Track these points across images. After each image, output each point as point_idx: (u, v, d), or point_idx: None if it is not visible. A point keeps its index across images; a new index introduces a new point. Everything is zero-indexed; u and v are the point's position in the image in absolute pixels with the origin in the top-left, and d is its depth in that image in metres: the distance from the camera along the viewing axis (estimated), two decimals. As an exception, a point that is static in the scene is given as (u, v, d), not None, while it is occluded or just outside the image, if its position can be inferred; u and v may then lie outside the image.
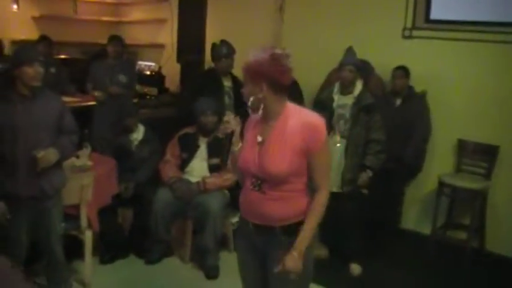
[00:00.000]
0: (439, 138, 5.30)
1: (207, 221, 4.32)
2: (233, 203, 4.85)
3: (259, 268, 2.74)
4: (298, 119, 2.51)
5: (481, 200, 4.99)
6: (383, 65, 5.30)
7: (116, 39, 6.02)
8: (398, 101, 5.22)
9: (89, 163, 4.08)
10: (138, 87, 7.00)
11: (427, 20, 5.38)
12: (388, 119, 4.47)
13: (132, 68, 6.65)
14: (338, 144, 4.42)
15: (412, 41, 5.42)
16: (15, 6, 6.99)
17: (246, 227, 2.70)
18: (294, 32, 6.22)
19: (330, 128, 4.50)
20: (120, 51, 6.00)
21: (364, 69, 4.64)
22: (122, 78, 5.90)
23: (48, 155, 3.24)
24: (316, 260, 4.74)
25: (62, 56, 7.16)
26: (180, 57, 7.41)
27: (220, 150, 4.59)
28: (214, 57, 5.27)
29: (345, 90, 4.46)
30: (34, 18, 7.29)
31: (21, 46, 3.71)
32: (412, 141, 5.12)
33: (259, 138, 2.57)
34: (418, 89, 5.24)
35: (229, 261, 4.57)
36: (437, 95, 5.23)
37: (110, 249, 4.52)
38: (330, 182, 2.57)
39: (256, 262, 2.74)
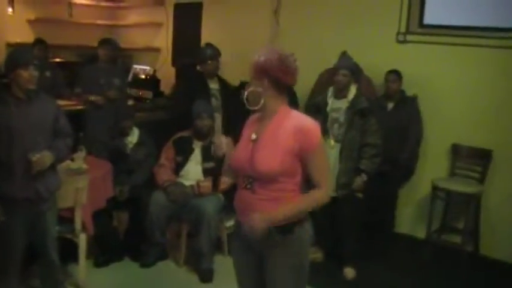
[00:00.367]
0: (433, 142, 5.32)
1: (202, 224, 4.33)
2: (228, 207, 4.88)
3: (255, 270, 2.74)
4: (293, 121, 2.55)
5: (475, 204, 5.02)
6: (377, 69, 5.33)
7: (106, 43, 5.99)
8: (390, 105, 5.26)
9: (84, 166, 4.09)
10: (133, 90, 7.02)
11: (421, 24, 5.43)
12: (381, 123, 4.48)
13: (123, 71, 6.65)
14: (332, 148, 4.43)
15: (406, 46, 5.45)
16: (10, 9, 6.96)
17: (241, 228, 2.69)
18: (289, 35, 6.24)
19: (324, 132, 4.52)
20: (111, 55, 5.96)
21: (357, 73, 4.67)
22: (117, 81, 5.88)
23: (43, 158, 3.25)
24: (311, 263, 4.76)
25: (58, 60, 7.16)
26: (175, 61, 7.42)
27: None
28: (200, 60, 5.27)
29: (339, 94, 4.47)
30: (29, 21, 7.28)
31: (16, 49, 3.69)
32: (406, 144, 5.15)
33: (254, 136, 2.62)
34: (411, 93, 5.27)
35: (223, 265, 4.57)
36: (431, 99, 5.25)
37: (105, 252, 4.51)
38: (331, 185, 2.56)
39: (252, 264, 2.75)
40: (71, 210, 3.91)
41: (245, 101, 2.63)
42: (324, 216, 4.66)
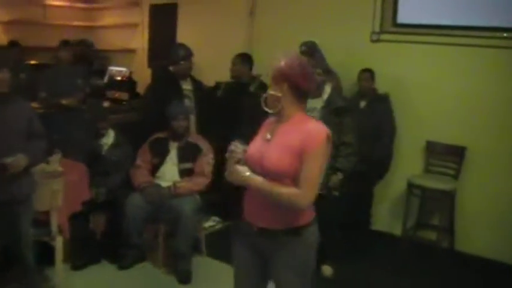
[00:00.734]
0: (407, 140, 5.38)
1: (179, 225, 4.32)
2: (205, 208, 4.89)
3: (257, 270, 2.77)
4: (305, 126, 2.57)
5: (449, 200, 5.09)
6: (352, 68, 5.38)
7: (67, 44, 5.96)
8: (363, 103, 5.31)
9: (60, 169, 4.06)
10: (109, 92, 7.00)
11: (395, 24, 5.48)
12: (355, 121, 4.51)
13: (86, 72, 6.62)
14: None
15: (380, 45, 5.51)
16: (-17, 12, 6.92)
17: (248, 230, 2.72)
18: (265, 36, 6.28)
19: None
20: (72, 56, 5.94)
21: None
22: (80, 82, 5.85)
23: (17, 160, 3.23)
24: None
25: (33, 62, 7.10)
26: (151, 62, 7.41)
27: (191, 154, 4.60)
28: (172, 60, 5.27)
29: (314, 93, 4.49)
30: (3, 23, 7.22)
31: (-11, 52, 3.69)
32: (381, 142, 5.20)
33: (268, 136, 2.67)
34: (386, 91, 5.32)
35: (202, 266, 4.60)
36: (405, 97, 5.31)
37: (82, 255, 4.48)
38: (312, 196, 2.53)
39: (255, 264, 2.76)
40: (47, 213, 3.89)
41: (263, 103, 2.65)
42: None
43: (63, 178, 3.98)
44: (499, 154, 5.02)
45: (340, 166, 4.38)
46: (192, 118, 5.15)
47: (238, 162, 2.64)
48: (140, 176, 4.57)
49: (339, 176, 4.38)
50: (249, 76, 5.45)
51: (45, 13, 7.54)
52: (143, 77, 7.24)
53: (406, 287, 4.54)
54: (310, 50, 5.30)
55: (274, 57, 2.62)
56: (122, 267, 4.50)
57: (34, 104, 5.55)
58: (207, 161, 4.61)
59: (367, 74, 5.28)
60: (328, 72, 4.56)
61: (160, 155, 4.63)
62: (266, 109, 2.66)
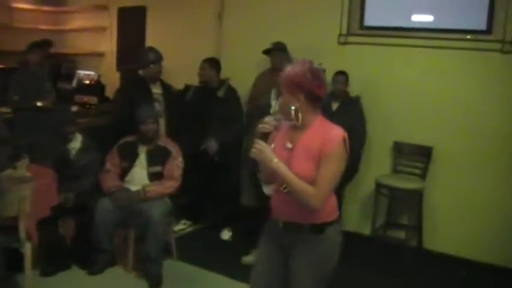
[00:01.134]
0: (375, 141, 5.44)
1: (149, 229, 4.31)
2: (175, 211, 4.88)
3: (277, 264, 2.81)
4: (323, 130, 2.63)
5: (417, 200, 5.18)
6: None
7: (37, 46, 5.92)
8: (335, 105, 5.35)
9: (27, 174, 4.02)
10: (78, 96, 6.95)
11: (362, 26, 5.55)
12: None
13: (51, 74, 6.59)
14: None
15: (348, 47, 5.57)
16: None
17: (274, 226, 2.79)
18: (233, 38, 6.30)
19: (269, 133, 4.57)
20: (42, 59, 5.90)
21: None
22: (48, 85, 5.81)
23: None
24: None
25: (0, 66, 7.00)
26: (120, 65, 7.38)
27: (161, 158, 4.60)
28: (142, 64, 5.25)
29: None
30: (-32, 27, 7.12)
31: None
32: (351, 144, 5.23)
33: (289, 145, 2.69)
34: (353, 93, 5.38)
35: (173, 269, 4.59)
36: (373, 98, 5.37)
37: (52, 260, 4.43)
38: (325, 197, 2.60)
39: (277, 258, 2.81)
40: (15, 219, 3.84)
41: (283, 115, 2.71)
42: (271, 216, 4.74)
43: (31, 183, 3.94)
44: (465, 154, 5.12)
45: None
46: (162, 121, 5.15)
47: (268, 135, 2.67)
48: (109, 180, 4.55)
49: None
50: (217, 80, 5.46)
51: (11, 16, 7.42)
52: (112, 80, 7.19)
53: (376, 286, 4.60)
54: (274, 49, 5.35)
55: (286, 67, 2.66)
56: (92, 273, 4.46)
57: (4, 109, 5.51)
58: (176, 164, 4.61)
59: (342, 76, 5.30)
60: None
61: (129, 158, 4.61)
62: (284, 120, 2.71)
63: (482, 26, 5.00)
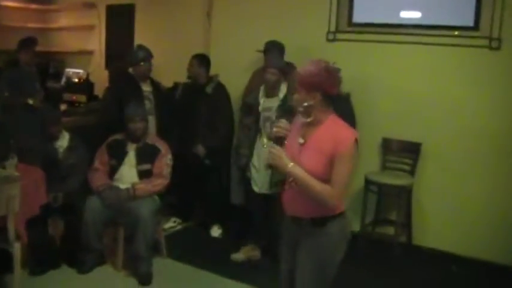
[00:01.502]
0: (364, 138, 5.37)
1: (138, 227, 4.31)
2: (164, 209, 4.88)
3: (290, 260, 2.97)
4: (336, 130, 2.75)
5: (406, 196, 5.18)
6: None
7: (26, 44, 5.91)
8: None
9: (16, 173, 4.01)
10: (66, 94, 6.93)
11: (350, 23, 5.55)
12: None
13: (42, 74, 6.59)
14: (265, 146, 4.50)
15: (336, 44, 5.56)
16: None
17: (286, 220, 2.98)
18: (222, 36, 6.29)
19: (257, 130, 4.59)
20: (33, 58, 5.87)
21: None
22: (37, 85, 5.79)
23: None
24: (248, 261, 4.86)
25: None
26: (108, 63, 7.35)
27: (149, 156, 4.59)
28: (132, 62, 5.25)
29: (270, 92, 4.54)
30: (-46, 26, 7.06)
31: None
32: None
33: (301, 140, 2.81)
34: (342, 90, 5.38)
35: (162, 268, 4.60)
36: (361, 95, 5.38)
37: (41, 260, 4.42)
38: (343, 195, 2.73)
39: (290, 255, 2.98)
40: (4, 218, 3.82)
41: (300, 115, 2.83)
42: (259, 214, 4.75)
43: (20, 183, 3.93)
44: (454, 150, 5.13)
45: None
46: (152, 119, 5.15)
47: (283, 140, 2.76)
48: (98, 179, 4.54)
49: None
50: (206, 77, 5.45)
51: (-2, 15, 7.39)
52: (100, 78, 7.16)
53: (366, 282, 4.61)
54: (266, 49, 5.35)
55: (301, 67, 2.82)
56: (81, 272, 4.46)
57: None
58: (165, 162, 4.61)
59: None
60: (284, 72, 4.59)
61: (118, 156, 4.60)
62: (302, 117, 2.83)
63: (470, 23, 5.01)
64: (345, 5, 5.53)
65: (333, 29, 5.58)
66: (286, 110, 4.44)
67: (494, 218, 5.00)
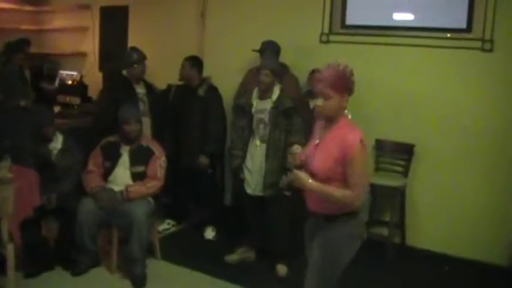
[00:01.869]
0: (358, 139, 5.45)
1: (132, 229, 4.31)
2: (159, 211, 4.89)
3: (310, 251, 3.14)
4: (342, 133, 2.86)
5: (399, 197, 5.21)
6: (302, 69, 5.46)
7: (16, 46, 5.92)
8: (313, 104, 5.36)
9: (9, 175, 4.00)
10: (60, 96, 6.92)
11: (343, 25, 5.57)
12: (305, 120, 4.58)
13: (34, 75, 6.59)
14: (258, 148, 4.52)
15: (330, 46, 5.60)
16: None
17: (308, 215, 3.15)
18: (216, 37, 6.30)
19: (251, 132, 4.59)
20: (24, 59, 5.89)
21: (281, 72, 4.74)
22: (48, 86, 5.80)
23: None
24: (243, 263, 4.86)
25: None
26: (102, 65, 7.35)
27: (143, 158, 4.59)
28: (125, 64, 5.25)
29: (263, 94, 4.54)
30: None
31: None
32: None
33: (317, 141, 3.00)
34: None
35: (156, 270, 4.60)
36: (355, 97, 5.27)
37: (35, 262, 4.41)
38: (362, 194, 2.88)
39: (309, 246, 3.16)
40: (-3, 220, 3.84)
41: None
42: (254, 216, 4.76)
43: (14, 184, 3.92)
44: (447, 151, 5.16)
45: (290, 166, 4.43)
46: (146, 121, 5.15)
47: (300, 166, 2.98)
48: (92, 181, 4.54)
49: (289, 176, 4.42)
50: (199, 79, 5.45)
51: (-9, 16, 7.37)
52: (94, 80, 7.16)
53: (359, 283, 4.62)
54: (262, 48, 5.37)
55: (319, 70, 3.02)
56: (76, 274, 4.45)
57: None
58: (159, 164, 4.60)
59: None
60: (278, 74, 4.60)
61: (112, 158, 4.59)
62: (320, 118, 3.05)
63: (462, 25, 5.04)
64: (338, 7, 5.56)
65: (326, 30, 5.61)
66: (280, 112, 4.47)
67: (487, 219, 5.04)
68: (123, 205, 4.39)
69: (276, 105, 4.48)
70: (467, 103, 5.05)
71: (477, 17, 4.94)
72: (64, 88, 7.07)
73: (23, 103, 5.58)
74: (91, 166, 4.63)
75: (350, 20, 5.56)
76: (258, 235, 4.81)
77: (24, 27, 7.79)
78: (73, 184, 4.63)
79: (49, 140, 4.66)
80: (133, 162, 4.58)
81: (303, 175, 2.88)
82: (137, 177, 4.55)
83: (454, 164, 5.15)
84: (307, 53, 5.62)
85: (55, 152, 4.66)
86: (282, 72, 4.80)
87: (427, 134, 5.21)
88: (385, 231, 5.31)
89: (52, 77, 7.21)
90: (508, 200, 4.95)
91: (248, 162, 4.61)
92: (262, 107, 4.55)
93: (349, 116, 2.99)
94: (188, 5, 6.52)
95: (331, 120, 2.95)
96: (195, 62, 5.48)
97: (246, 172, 4.64)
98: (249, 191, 4.65)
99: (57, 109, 6.33)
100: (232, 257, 4.80)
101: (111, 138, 4.68)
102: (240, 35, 6.03)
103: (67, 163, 4.64)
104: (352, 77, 2.95)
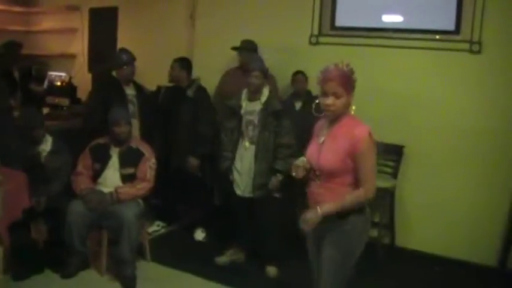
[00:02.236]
0: (348, 140, 5.47)
1: (122, 231, 4.29)
2: (148, 213, 4.87)
3: (316, 254, 3.16)
4: (350, 128, 2.92)
5: (389, 198, 5.23)
6: (291, 70, 5.48)
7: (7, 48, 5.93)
8: (298, 105, 5.40)
9: (-1, 177, 3.98)
10: (49, 98, 6.89)
11: (333, 27, 5.60)
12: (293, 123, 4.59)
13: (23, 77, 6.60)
14: (247, 149, 4.52)
15: (319, 47, 5.62)
16: None
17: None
18: (206, 38, 6.31)
19: (240, 134, 4.59)
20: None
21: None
22: (37, 87, 5.79)
23: None
24: (233, 264, 4.86)
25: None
26: (91, 67, 7.33)
27: (133, 159, 4.58)
28: (115, 65, 5.23)
29: (253, 96, 4.54)
30: None
31: None
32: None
33: (321, 139, 3.03)
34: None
35: (146, 271, 4.58)
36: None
37: (24, 264, 4.38)
38: (373, 186, 2.91)
39: (314, 249, 3.18)
40: (-15, 223, 3.81)
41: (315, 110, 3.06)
42: (244, 217, 4.75)
43: (2, 187, 3.90)
44: (436, 152, 5.20)
45: (280, 168, 4.44)
46: (136, 123, 5.14)
47: (303, 175, 3.02)
48: (81, 182, 4.52)
49: (279, 177, 4.44)
50: (188, 80, 5.44)
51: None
52: (83, 82, 7.14)
53: (349, 284, 4.62)
54: (242, 47, 5.38)
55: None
56: (65, 276, 4.42)
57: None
58: (149, 165, 4.59)
59: (301, 76, 5.40)
60: (266, 75, 4.61)
61: (102, 160, 4.58)
62: (328, 117, 3.04)
63: (451, 27, 5.08)
64: (327, 8, 5.59)
65: (315, 32, 5.63)
66: (270, 114, 4.47)
67: (476, 219, 5.07)
68: (113, 207, 4.37)
69: (265, 106, 4.48)
70: (456, 104, 5.08)
71: (465, 19, 4.98)
72: (53, 89, 7.04)
73: (12, 103, 5.55)
74: (80, 168, 4.61)
75: (339, 21, 5.59)
76: (247, 237, 4.80)
77: (12, 28, 7.77)
78: (62, 186, 4.60)
79: (39, 141, 4.64)
80: (123, 164, 4.56)
81: (310, 213, 2.91)
82: (127, 179, 4.53)
83: (442, 165, 5.18)
84: (296, 55, 5.64)
85: (44, 154, 4.63)
86: (268, 74, 4.80)
87: (416, 135, 5.24)
88: (374, 232, 5.30)
89: (41, 79, 7.16)
90: (495, 200, 4.98)
91: (237, 164, 4.60)
92: (251, 108, 4.54)
93: (353, 107, 3.07)
94: (177, 6, 6.53)
95: (336, 117, 2.99)
96: (184, 63, 5.47)
97: (235, 173, 4.63)
98: (238, 192, 4.64)
99: (46, 111, 6.30)
100: (222, 259, 4.80)
101: (101, 140, 4.66)
102: (229, 36, 6.02)
103: (56, 165, 4.61)
104: (354, 74, 3.05)
